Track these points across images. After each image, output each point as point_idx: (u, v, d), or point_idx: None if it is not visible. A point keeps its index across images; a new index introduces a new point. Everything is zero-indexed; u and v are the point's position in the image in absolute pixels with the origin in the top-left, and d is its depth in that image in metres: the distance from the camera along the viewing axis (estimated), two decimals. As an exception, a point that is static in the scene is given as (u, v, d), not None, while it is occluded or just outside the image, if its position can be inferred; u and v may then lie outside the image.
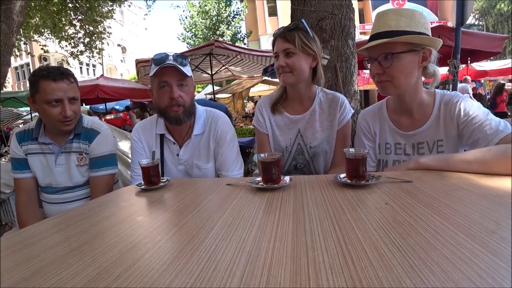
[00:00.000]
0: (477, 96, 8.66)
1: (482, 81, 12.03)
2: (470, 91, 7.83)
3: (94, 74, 26.27)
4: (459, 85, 8.53)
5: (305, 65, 1.24)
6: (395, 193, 0.73)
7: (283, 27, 1.28)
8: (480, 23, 23.21)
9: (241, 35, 17.49)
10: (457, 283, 0.36)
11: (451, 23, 4.30)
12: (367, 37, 1.11)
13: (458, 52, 3.81)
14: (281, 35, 1.25)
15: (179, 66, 1.17)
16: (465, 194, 0.68)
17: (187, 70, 1.22)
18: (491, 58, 8.95)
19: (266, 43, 18.12)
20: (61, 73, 1.24)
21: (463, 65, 6.22)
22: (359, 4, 18.19)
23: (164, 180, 1.05)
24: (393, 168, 1.03)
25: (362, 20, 18.88)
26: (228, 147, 1.31)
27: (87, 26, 8.19)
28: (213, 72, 6.52)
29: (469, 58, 5.59)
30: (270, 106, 1.38)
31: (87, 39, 8.53)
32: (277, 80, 1.35)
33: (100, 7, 8.04)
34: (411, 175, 0.86)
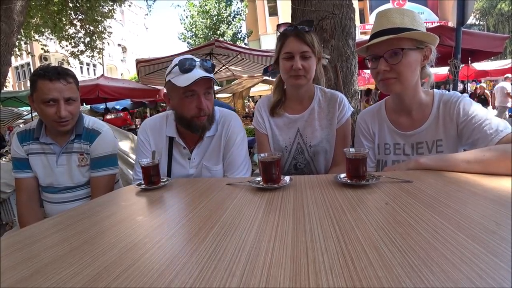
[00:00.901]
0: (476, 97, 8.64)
1: (483, 81, 12.03)
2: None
3: (95, 74, 26.28)
4: (498, 85, 8.44)
5: (314, 68, 1.24)
6: (395, 193, 0.73)
7: (289, 23, 1.25)
8: (481, 23, 23.18)
9: (241, 35, 17.50)
10: (457, 283, 0.36)
11: (451, 23, 4.30)
12: (367, 37, 1.11)
13: (458, 52, 3.81)
14: (297, 35, 1.19)
15: (209, 75, 1.12)
16: (465, 194, 0.68)
17: (213, 76, 1.17)
18: (492, 58, 8.94)
19: (266, 43, 18.13)
20: (57, 73, 1.23)
21: (463, 65, 6.22)
22: (360, 4, 18.20)
23: (164, 180, 1.04)
24: (393, 168, 1.03)
25: (362, 20, 18.88)
26: (237, 148, 1.26)
27: (87, 26, 8.20)
28: (213, 72, 6.51)
29: (469, 58, 5.59)
30: (269, 108, 1.37)
31: (87, 39, 8.54)
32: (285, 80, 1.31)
33: (100, 7, 8.05)
34: (411, 175, 0.86)
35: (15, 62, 23.86)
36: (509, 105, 7.74)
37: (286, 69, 1.23)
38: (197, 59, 1.15)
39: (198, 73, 1.11)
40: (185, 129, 1.21)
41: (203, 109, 1.15)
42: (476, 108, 1.00)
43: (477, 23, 23.17)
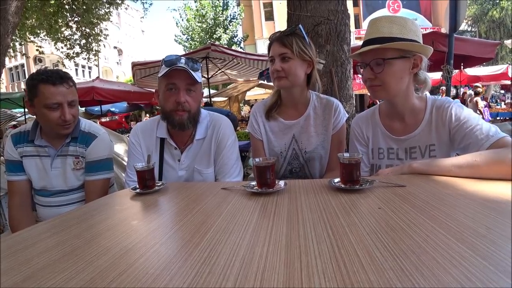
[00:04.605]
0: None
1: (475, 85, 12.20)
2: None
3: (90, 76, 26.10)
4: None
5: (300, 71, 1.25)
6: (388, 197, 0.74)
7: (279, 31, 1.29)
8: (473, 29, 23.63)
9: (237, 39, 17.58)
10: (447, 286, 0.37)
11: (444, 29, 4.38)
12: (361, 43, 1.13)
13: (451, 58, 3.88)
14: (278, 39, 1.25)
15: (190, 70, 1.14)
16: (456, 198, 0.70)
17: (198, 75, 1.19)
18: (484, 63, 9.09)
19: (262, 47, 18.26)
20: (60, 77, 1.23)
21: (456, 71, 6.32)
22: (355, 10, 18.43)
23: (159, 184, 1.04)
24: (387, 171, 1.04)
25: (357, 26, 19.11)
26: (228, 151, 1.27)
27: (83, 28, 8.16)
28: (209, 76, 6.53)
29: (462, 64, 5.69)
30: (265, 112, 1.38)
31: (83, 41, 8.50)
32: (272, 84, 1.35)
33: (97, 9, 8.03)
34: (404, 180, 0.87)
35: (9, 63, 23.61)
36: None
37: (271, 72, 1.28)
38: (184, 58, 1.18)
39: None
40: (170, 125, 1.23)
41: (181, 103, 1.16)
42: (467, 114, 1.02)
43: (469, 29, 23.61)
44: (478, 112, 7.85)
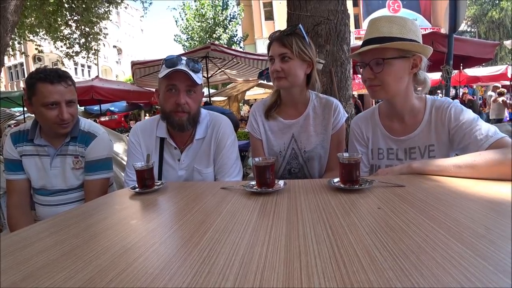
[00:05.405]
0: (469, 102, 8.78)
1: (474, 86, 12.24)
2: None
3: (89, 75, 26.06)
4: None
5: (300, 71, 1.25)
6: (388, 197, 0.74)
7: (279, 30, 1.28)
8: (472, 30, 23.67)
9: (237, 39, 17.57)
10: (446, 286, 0.37)
11: (444, 30, 4.39)
12: (361, 43, 1.13)
13: (450, 58, 3.89)
14: (277, 39, 1.25)
15: (190, 72, 1.14)
16: (455, 198, 0.70)
17: (198, 77, 1.18)
18: (483, 64, 9.11)
19: (262, 47, 18.26)
20: (58, 76, 1.22)
21: (456, 71, 6.33)
22: (355, 10, 18.45)
23: (158, 184, 1.04)
24: (386, 171, 1.04)
25: (357, 26, 19.13)
26: (228, 151, 1.27)
27: (83, 27, 8.15)
28: (209, 75, 6.53)
29: (461, 64, 5.70)
30: (264, 111, 1.38)
31: (82, 40, 8.49)
32: (272, 83, 1.35)
33: (96, 8, 8.02)
34: (403, 180, 0.88)
35: (8, 62, 23.55)
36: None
37: (270, 72, 1.28)
38: (185, 58, 1.17)
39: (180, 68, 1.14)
40: (169, 126, 1.23)
41: (181, 105, 1.16)
42: (466, 114, 1.02)
43: (468, 30, 23.65)
44: (507, 111, 7.81)
